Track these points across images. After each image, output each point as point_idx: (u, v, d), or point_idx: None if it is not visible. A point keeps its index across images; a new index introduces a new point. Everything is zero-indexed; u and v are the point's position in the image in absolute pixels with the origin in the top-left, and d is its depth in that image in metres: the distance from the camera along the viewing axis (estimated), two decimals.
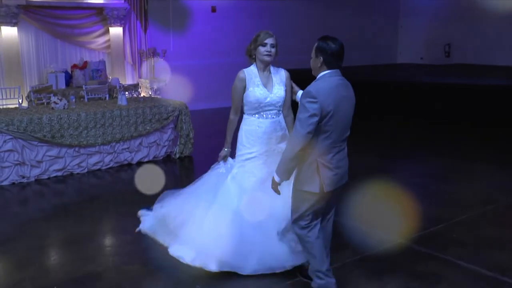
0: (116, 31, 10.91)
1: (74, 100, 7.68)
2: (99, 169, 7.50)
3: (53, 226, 5.49)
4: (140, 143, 7.78)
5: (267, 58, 4.07)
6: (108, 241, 5.16)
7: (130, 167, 7.71)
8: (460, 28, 15.07)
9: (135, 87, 9.05)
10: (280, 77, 4.23)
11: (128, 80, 11.39)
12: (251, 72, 4.18)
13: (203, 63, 12.55)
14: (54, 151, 7.06)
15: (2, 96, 9.14)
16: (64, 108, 7.38)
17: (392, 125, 10.73)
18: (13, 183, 6.87)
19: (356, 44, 15.24)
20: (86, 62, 10.15)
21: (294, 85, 4.25)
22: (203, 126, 10.47)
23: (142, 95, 10.77)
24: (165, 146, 8.05)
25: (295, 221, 3.71)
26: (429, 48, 16.01)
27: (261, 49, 4.06)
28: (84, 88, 8.49)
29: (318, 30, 14.57)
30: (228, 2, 12.76)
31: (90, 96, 8.51)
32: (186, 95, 12.09)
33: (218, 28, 12.66)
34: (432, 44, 15.87)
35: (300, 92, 4.00)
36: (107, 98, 8.72)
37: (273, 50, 4.08)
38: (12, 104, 8.85)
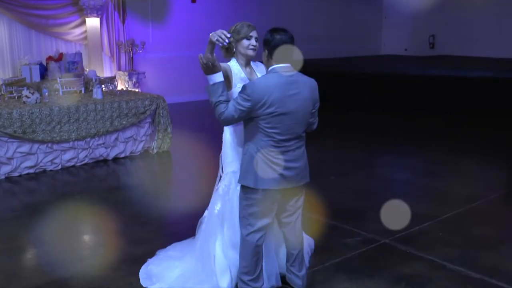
0: (93, 22, 10.55)
1: (47, 93, 7.37)
2: (73, 166, 7.21)
3: (22, 226, 5.19)
4: (116, 138, 7.50)
5: (251, 53, 3.65)
6: (78, 243, 4.88)
7: (106, 163, 7.44)
8: (445, 19, 14.94)
9: (111, 80, 8.73)
10: (262, 72, 3.88)
11: (106, 73, 11.05)
12: (235, 67, 3.73)
13: (184, 55, 12.24)
14: (25, 147, 6.75)
15: None
16: (36, 102, 7.07)
17: (377, 118, 10.55)
18: None
19: (338, 35, 15.07)
20: (61, 54, 9.80)
21: None
22: (183, 120, 10.21)
23: (120, 88, 10.48)
24: (142, 141, 7.78)
25: (241, 227, 3.51)
26: (413, 39, 15.88)
27: (245, 42, 3.62)
28: (58, 81, 8.16)
29: (298, 21, 14.42)
30: None
31: (65, 90, 8.18)
32: (166, 88, 11.82)
33: (198, 19, 12.36)
34: (416, 35, 15.74)
35: None
36: (83, 91, 8.40)
37: (257, 44, 3.74)
38: None
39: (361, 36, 15.77)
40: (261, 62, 3.70)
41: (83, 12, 10.46)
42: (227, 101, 3.30)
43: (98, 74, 10.15)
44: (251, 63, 3.80)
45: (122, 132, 7.52)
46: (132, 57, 11.28)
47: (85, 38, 10.66)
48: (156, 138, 7.84)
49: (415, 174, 6.84)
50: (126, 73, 11.05)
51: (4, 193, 6.40)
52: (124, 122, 7.46)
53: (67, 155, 7.11)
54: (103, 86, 8.15)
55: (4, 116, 6.53)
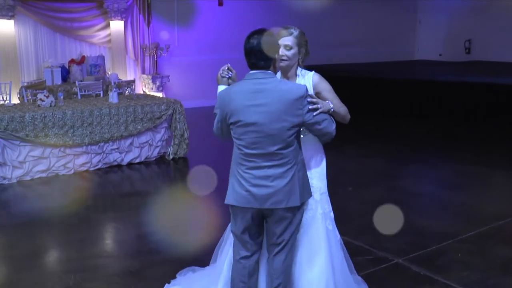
0: (117, 25, 10.52)
1: (62, 97, 7.29)
2: (86, 171, 7.10)
3: (26, 233, 5.09)
4: (131, 143, 7.36)
5: (281, 64, 3.22)
6: (75, 253, 4.71)
7: (120, 169, 7.30)
8: (482, 23, 14.31)
9: (128, 84, 8.61)
10: (306, 82, 3.28)
11: (130, 76, 11.00)
12: None
13: (209, 59, 12.07)
14: (37, 151, 6.67)
15: None
16: (50, 106, 6.99)
17: (405, 125, 10.10)
18: None
19: (371, 40, 14.66)
20: (84, 57, 9.78)
21: (327, 90, 3.30)
22: (205, 124, 10.00)
23: (142, 92, 10.40)
24: (158, 146, 7.62)
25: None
26: (448, 44, 15.28)
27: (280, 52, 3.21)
28: (77, 84, 8.11)
29: (330, 25, 14.09)
30: None
31: (83, 93, 8.12)
32: (191, 91, 11.68)
33: (225, 22, 12.17)
34: (451, 40, 15.14)
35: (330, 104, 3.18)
36: (101, 95, 8.32)
37: (288, 53, 3.20)
38: (1, 100, 8.50)
39: (394, 41, 15.30)
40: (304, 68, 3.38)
41: (107, 15, 10.44)
42: None
43: (121, 78, 10.10)
44: (299, 72, 3.34)
45: (137, 137, 7.37)
46: (156, 61, 11.19)
47: (109, 41, 10.63)
48: (172, 143, 7.66)
49: (439, 187, 6.44)
50: (150, 77, 10.96)
51: (16, 197, 6.34)
52: (139, 127, 7.31)
53: (80, 160, 7.00)
54: (120, 90, 8.03)
55: (17, 119, 6.46)
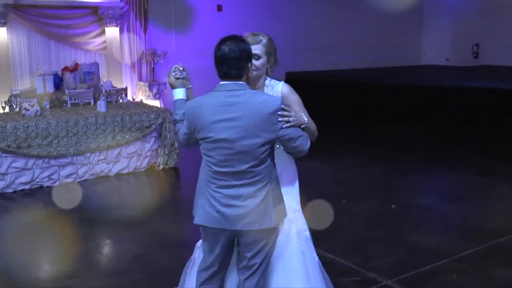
0: (112, 31, 10.29)
1: (48, 106, 7.06)
2: (72, 182, 6.85)
3: (14, 245, 4.92)
4: (119, 154, 7.10)
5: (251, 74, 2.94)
6: (46, 272, 4.46)
7: (108, 180, 7.05)
8: (490, 26, 13.92)
9: (118, 92, 8.37)
10: (274, 94, 3.01)
11: (126, 83, 10.75)
12: None
13: (208, 65, 11.71)
14: (20, 162, 6.44)
15: None
16: (36, 115, 6.77)
17: (407, 132, 9.74)
18: None
19: (375, 44, 14.32)
20: (77, 64, 9.56)
21: (296, 103, 3.01)
22: None
23: (140, 100, 10.16)
24: (147, 156, 7.36)
25: None
26: (455, 48, 14.88)
27: None
28: (67, 93, 7.89)
29: (334, 30, 13.77)
30: (235, 0, 12.00)
31: (74, 101, 7.89)
32: (189, 99, 11.43)
33: (225, 28, 11.85)
34: (459, 44, 14.74)
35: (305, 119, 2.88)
36: (92, 103, 8.09)
37: (257, 63, 2.93)
38: None
39: (399, 45, 14.93)
40: (273, 78, 3.11)
41: (102, 21, 10.22)
42: (183, 120, 2.89)
43: (116, 85, 9.87)
44: (268, 82, 3.07)
45: (125, 147, 7.12)
46: (153, 67, 10.94)
47: (105, 48, 10.41)
48: (162, 153, 7.40)
49: (437, 199, 6.09)
50: (147, 84, 10.72)
51: None
52: (127, 137, 7.06)
53: (66, 171, 6.76)
54: (109, 98, 7.79)
55: None
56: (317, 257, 3.17)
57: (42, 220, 5.68)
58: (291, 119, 2.67)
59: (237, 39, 2.67)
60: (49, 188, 6.67)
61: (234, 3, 11.97)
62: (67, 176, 6.79)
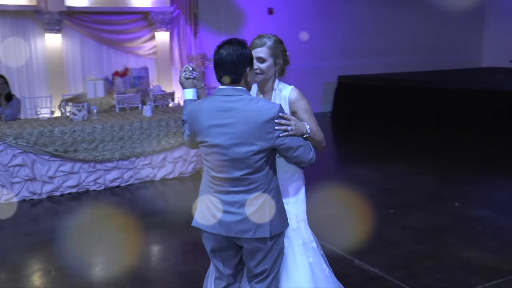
0: (162, 36, 10.38)
1: (95, 110, 7.14)
2: (117, 186, 6.89)
3: (60, 248, 4.98)
4: (164, 158, 7.09)
5: (254, 78, 2.82)
6: (90, 277, 4.44)
7: (153, 184, 7.05)
8: None
9: (164, 97, 8.38)
10: (282, 99, 2.88)
11: (176, 88, 10.83)
12: (252, 93, 2.99)
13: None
14: (67, 166, 6.53)
15: (37, 106, 8.85)
16: (83, 120, 6.86)
17: (466, 140, 9.27)
18: (24, 200, 6.43)
19: (432, 46, 13.80)
20: (127, 69, 9.68)
21: (303, 109, 2.85)
22: None
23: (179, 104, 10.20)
24: (192, 161, 7.30)
25: None
26: None
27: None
28: (115, 97, 7.97)
29: (389, 32, 13.36)
30: (286, 2, 11.83)
31: (122, 106, 7.96)
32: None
33: (276, 31, 11.67)
34: None
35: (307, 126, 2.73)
36: (140, 108, 8.14)
37: (262, 66, 2.80)
38: (46, 114, 8.50)
39: (458, 47, 14.33)
40: (283, 82, 2.99)
41: (153, 26, 10.32)
42: None
43: (165, 89, 9.94)
44: (277, 86, 2.92)
45: (170, 152, 7.10)
46: (203, 72, 10.94)
47: (156, 52, 10.51)
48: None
49: (495, 212, 5.68)
50: None
51: (46, 213, 6.24)
52: (172, 142, 7.03)
53: (111, 175, 6.81)
54: (156, 103, 7.80)
55: (46, 134, 6.35)
56: (328, 269, 3.00)
57: (88, 223, 5.73)
58: (289, 127, 2.55)
59: (235, 43, 2.56)
60: (95, 192, 6.73)
61: (285, 6, 11.82)
62: (113, 180, 6.83)
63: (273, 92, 2.92)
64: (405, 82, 11.09)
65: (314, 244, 2.93)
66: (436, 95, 10.43)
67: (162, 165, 7.09)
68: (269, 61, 2.83)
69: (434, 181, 6.79)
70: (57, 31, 9.49)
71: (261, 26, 11.62)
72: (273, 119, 2.50)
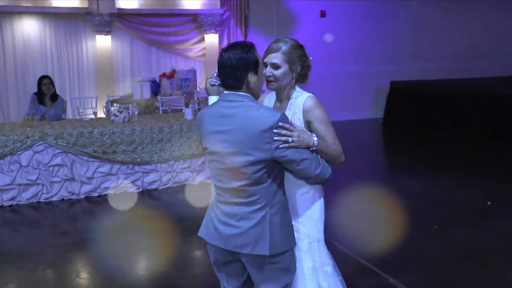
0: (211, 38, 10.34)
1: (136, 112, 7.14)
2: (155, 189, 6.85)
3: (96, 248, 4.99)
4: (203, 163, 6.98)
5: (268, 86, 2.67)
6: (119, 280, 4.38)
7: (192, 188, 6.95)
8: None
9: (206, 99, 8.27)
10: (296, 108, 2.66)
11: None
12: (267, 101, 2.85)
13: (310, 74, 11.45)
14: (106, 168, 6.55)
15: (83, 106, 8.99)
16: (124, 121, 6.86)
17: None
18: (63, 199, 6.49)
19: (484, 51, 13.07)
20: (174, 71, 9.70)
21: (319, 120, 2.61)
22: None
23: None
24: None
25: None
26: None
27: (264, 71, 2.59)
28: (159, 99, 7.96)
29: (446, 36, 12.76)
30: (339, 5, 11.53)
31: (165, 108, 7.94)
32: None
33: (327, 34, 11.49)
34: None
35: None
36: (183, 110, 8.09)
37: (276, 72, 2.60)
38: (89, 114, 8.63)
39: None
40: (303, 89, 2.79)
41: (202, 28, 10.30)
42: None
43: None
44: (295, 94, 2.69)
45: None
46: None
47: (205, 54, 10.49)
48: None
49: None
50: None
51: (83, 213, 6.26)
52: None
53: (149, 178, 6.77)
54: (199, 105, 7.73)
55: (85, 135, 6.38)
56: None
57: (124, 225, 5.68)
58: (290, 139, 2.33)
59: (238, 47, 2.40)
60: (133, 194, 6.71)
61: (338, 8, 11.52)
62: (151, 182, 6.79)
63: (289, 100, 2.71)
64: (461, 89, 10.53)
65: (329, 268, 2.68)
66: (495, 104, 9.83)
67: (201, 169, 7.00)
68: (284, 68, 2.63)
69: (485, 196, 6.34)
70: (107, 32, 9.63)
71: (313, 28, 11.40)
72: (271, 128, 2.31)
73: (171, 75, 9.56)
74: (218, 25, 10.35)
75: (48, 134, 6.27)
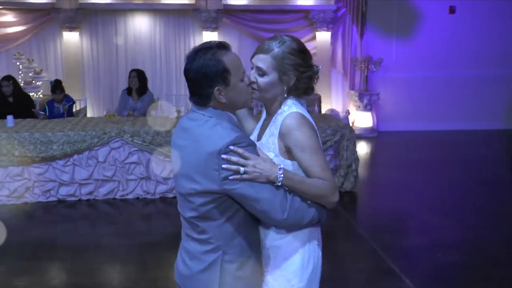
0: (323, 36, 9.66)
1: None
2: None
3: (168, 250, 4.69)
4: None
5: (252, 95, 2.04)
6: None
7: None
8: None
9: (309, 101, 7.62)
10: (275, 128, 1.99)
11: (335, 91, 10.06)
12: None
13: (432, 76, 10.26)
14: None
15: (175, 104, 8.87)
16: None
17: None
18: (138, 198, 6.31)
19: None
20: None
21: (300, 146, 1.91)
22: (408, 152, 8.42)
23: (346, 110, 9.35)
24: None
25: None
26: None
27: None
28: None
29: None
30: (470, 0, 10.13)
31: (260, 109, 7.46)
32: (404, 112, 10.14)
33: (458, 33, 10.15)
34: None
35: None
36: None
37: (260, 80, 1.99)
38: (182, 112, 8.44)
39: None
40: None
41: (313, 25, 9.67)
42: None
43: (320, 93, 9.25)
44: (283, 107, 2.02)
45: None
46: (366, 76, 9.94)
47: (315, 53, 9.84)
48: (337, 174, 6.42)
49: None
50: (357, 93, 9.79)
51: (157, 213, 6.08)
52: None
53: None
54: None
55: (162, 134, 6.14)
56: None
57: None
58: (242, 169, 1.67)
59: (200, 51, 1.86)
60: None
61: (469, 4, 10.13)
62: None
63: (276, 116, 2.01)
64: None
65: None
66: None
67: None
68: (272, 76, 1.98)
69: None
70: (214, 29, 9.42)
71: (440, 26, 10.20)
72: (219, 152, 1.73)
73: None
74: (330, 22, 9.62)
75: (125, 131, 6.10)
